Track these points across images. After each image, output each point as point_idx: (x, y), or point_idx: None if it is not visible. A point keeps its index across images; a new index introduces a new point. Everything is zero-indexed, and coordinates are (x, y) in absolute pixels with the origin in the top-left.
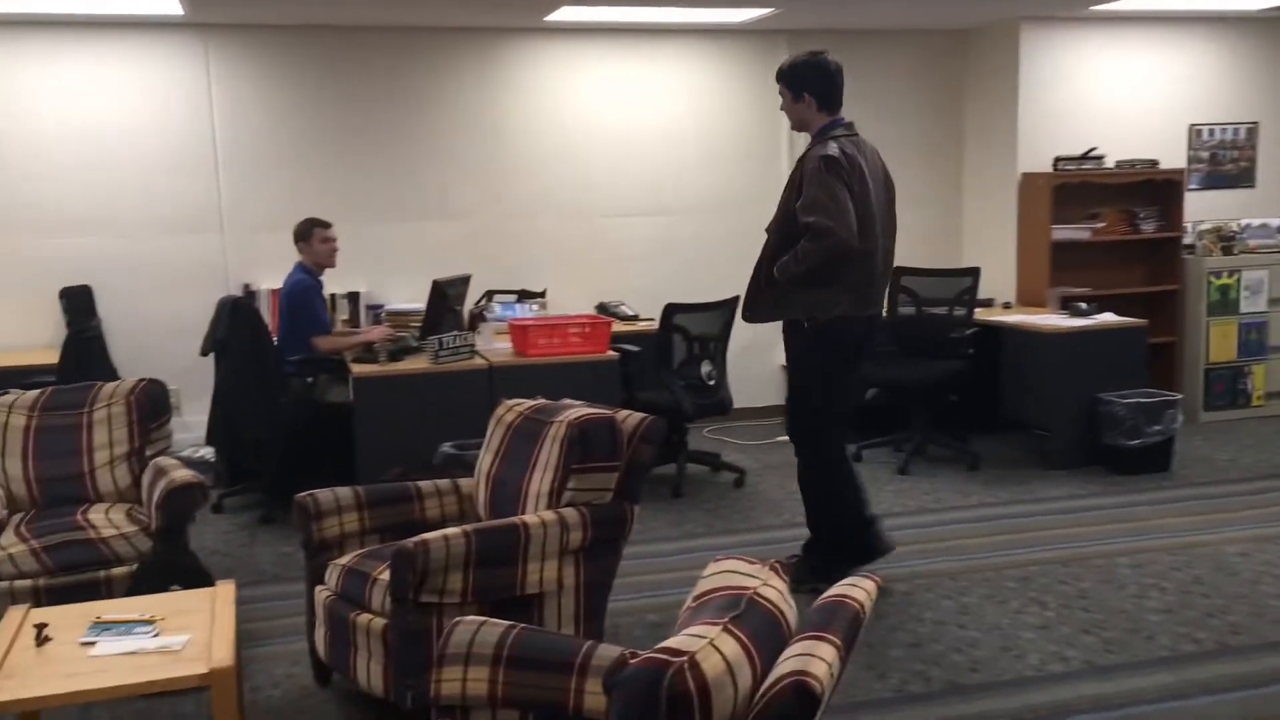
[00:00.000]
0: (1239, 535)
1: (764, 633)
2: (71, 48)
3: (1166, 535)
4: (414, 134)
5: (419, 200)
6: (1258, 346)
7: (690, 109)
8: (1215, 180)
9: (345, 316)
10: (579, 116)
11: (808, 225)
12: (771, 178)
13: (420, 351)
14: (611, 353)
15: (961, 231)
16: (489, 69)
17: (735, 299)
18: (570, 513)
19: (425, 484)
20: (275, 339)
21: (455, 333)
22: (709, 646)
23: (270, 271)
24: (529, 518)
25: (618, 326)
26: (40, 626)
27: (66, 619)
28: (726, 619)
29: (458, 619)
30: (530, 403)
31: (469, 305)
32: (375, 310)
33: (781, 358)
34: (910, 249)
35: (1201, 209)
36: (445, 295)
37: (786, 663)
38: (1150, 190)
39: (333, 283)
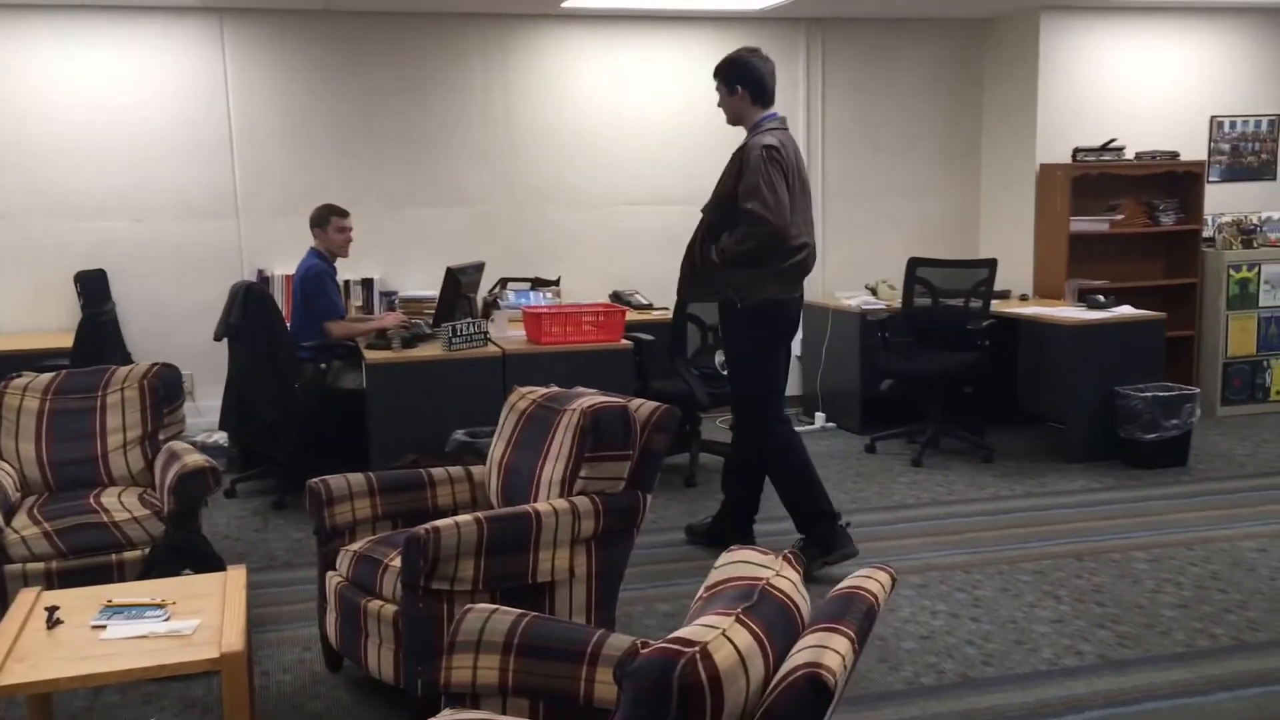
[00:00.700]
0: (1257, 530)
1: (777, 624)
2: (88, 32)
3: (1183, 530)
4: (429, 120)
5: (434, 187)
6: (1277, 341)
7: (707, 97)
8: (1236, 173)
9: (359, 303)
10: (595, 104)
11: (748, 211)
12: None
13: (434, 338)
14: (625, 341)
15: (979, 222)
16: (504, 55)
17: None
18: (582, 501)
19: (437, 471)
20: (289, 324)
21: (469, 320)
22: (721, 637)
23: (285, 257)
24: (541, 506)
25: (631, 315)
26: (52, 609)
27: (78, 602)
28: (739, 609)
29: (469, 606)
30: (543, 390)
31: (483, 293)
32: (389, 297)
33: (796, 348)
34: (927, 240)
35: (1222, 202)
36: (459, 282)
37: (799, 654)
38: (1170, 182)
39: (347, 269)
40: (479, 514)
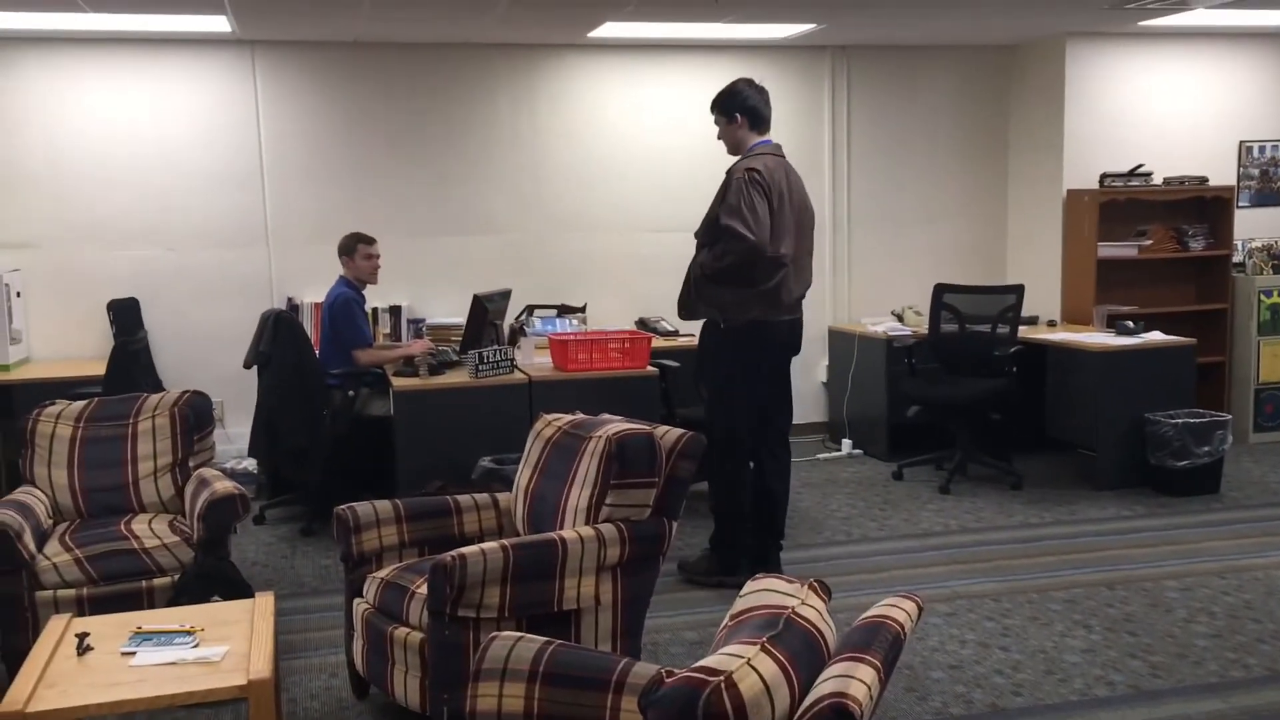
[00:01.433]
0: None
1: (802, 653)
2: (122, 63)
3: (1215, 558)
4: (456, 149)
5: (461, 215)
6: None
7: None
8: (1266, 198)
9: (387, 330)
10: (621, 132)
11: (725, 226)
12: (813, 195)
13: (460, 365)
14: (651, 368)
15: (1006, 248)
16: (531, 86)
17: None
18: (608, 528)
19: (464, 498)
20: (317, 352)
21: (495, 347)
22: (746, 666)
23: (314, 285)
24: (567, 533)
25: (657, 342)
26: (82, 636)
27: (108, 628)
28: (764, 638)
29: (494, 634)
30: (569, 417)
31: (509, 320)
32: (416, 324)
33: (823, 374)
34: (953, 265)
35: (1252, 227)
36: (486, 309)
37: (825, 684)
38: (1199, 207)
39: (375, 296)
40: (505, 541)
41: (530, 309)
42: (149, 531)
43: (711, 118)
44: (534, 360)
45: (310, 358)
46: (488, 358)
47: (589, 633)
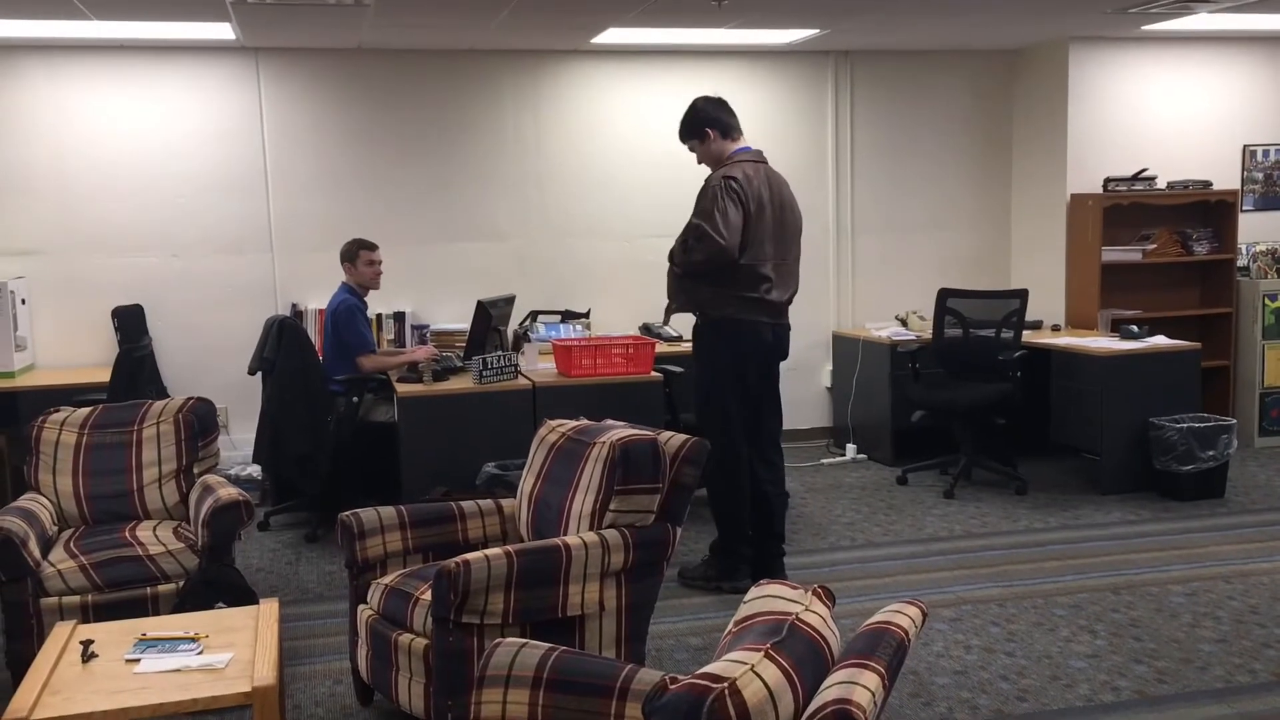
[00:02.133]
0: None
1: (806, 659)
2: (127, 71)
3: (1221, 563)
4: (460, 156)
5: (465, 221)
6: None
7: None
8: (1270, 202)
9: (391, 336)
10: (624, 138)
11: (695, 226)
12: (817, 200)
13: (464, 372)
14: (655, 374)
15: (1009, 253)
16: (535, 91)
17: None
18: (612, 534)
19: (468, 504)
20: (321, 358)
21: (499, 353)
22: (750, 673)
23: (318, 291)
24: (571, 539)
25: (661, 347)
26: (87, 643)
27: (112, 635)
28: (768, 644)
29: (498, 640)
30: (573, 423)
31: (513, 326)
32: (421, 330)
33: (827, 380)
34: (957, 271)
35: (1256, 230)
36: (490, 315)
37: (829, 690)
38: (1203, 211)
39: (379, 303)
40: (509, 547)
41: (534, 315)
42: (154, 538)
43: (686, 146)
44: (538, 366)
45: (314, 364)
46: (492, 363)
47: (593, 639)
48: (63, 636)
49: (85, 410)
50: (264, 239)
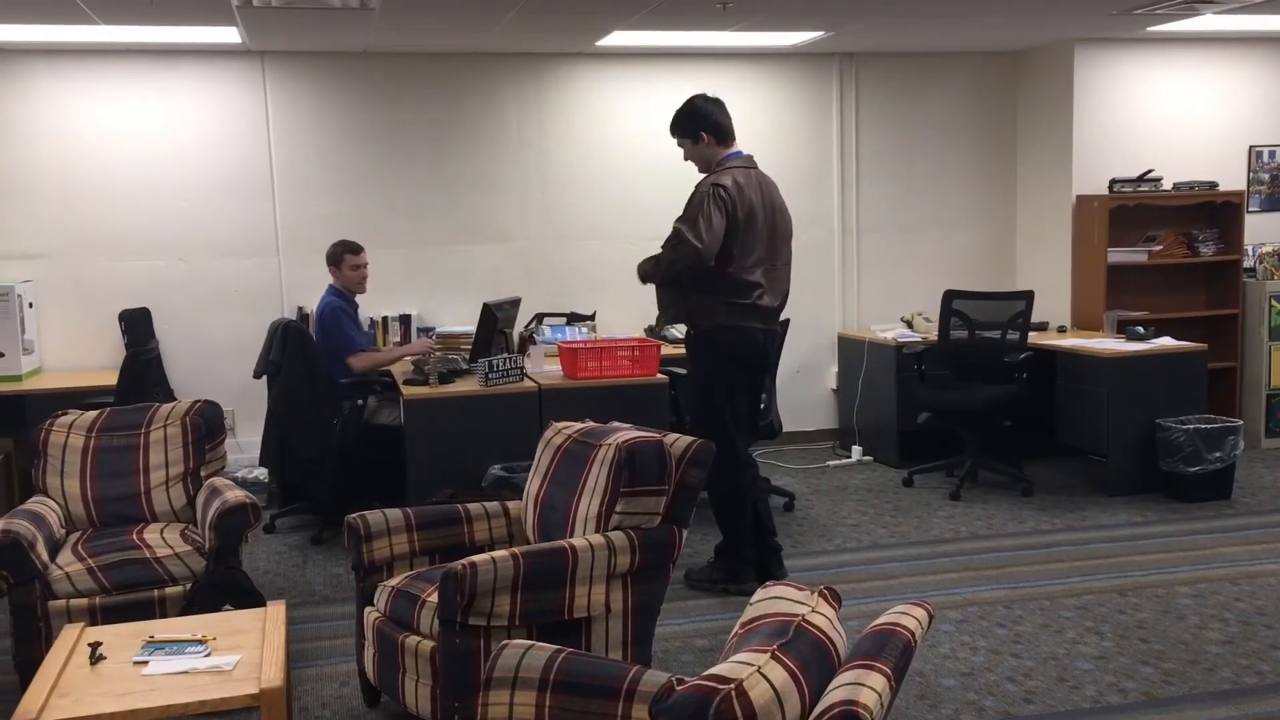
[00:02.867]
0: None
1: (813, 660)
2: (133, 75)
3: (1228, 564)
4: (466, 158)
5: (471, 223)
6: None
7: (740, 133)
8: (1276, 202)
9: (397, 339)
10: (629, 140)
11: (676, 230)
12: (822, 202)
13: (470, 374)
14: (660, 376)
15: (1015, 254)
16: (540, 94)
17: (785, 323)
18: (618, 536)
19: (474, 506)
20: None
21: (505, 355)
22: (757, 674)
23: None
24: (577, 541)
25: (667, 349)
26: (95, 645)
27: (120, 638)
28: (775, 646)
29: (505, 642)
30: (579, 425)
31: (519, 328)
32: (426, 332)
33: (833, 381)
34: (963, 272)
35: (1262, 231)
36: (495, 318)
37: (835, 691)
38: (1209, 212)
39: (385, 305)
40: (515, 549)
41: (539, 317)
42: (161, 541)
43: (675, 142)
44: (543, 368)
45: (319, 367)
46: (497, 366)
47: (599, 641)
48: (71, 639)
49: (92, 413)
50: (270, 242)
